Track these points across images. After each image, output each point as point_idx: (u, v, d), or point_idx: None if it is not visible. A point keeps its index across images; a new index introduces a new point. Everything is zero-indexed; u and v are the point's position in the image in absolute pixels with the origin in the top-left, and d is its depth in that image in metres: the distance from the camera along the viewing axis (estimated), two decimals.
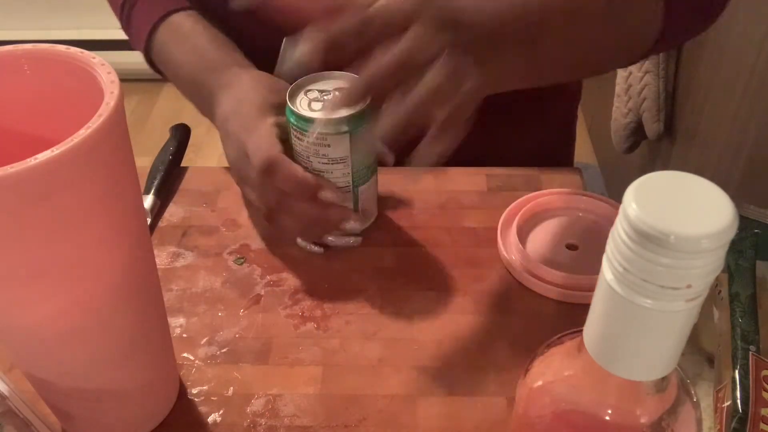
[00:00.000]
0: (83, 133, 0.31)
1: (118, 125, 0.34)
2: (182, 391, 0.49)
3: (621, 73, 1.38)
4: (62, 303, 0.36)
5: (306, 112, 0.52)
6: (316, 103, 0.53)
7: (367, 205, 0.58)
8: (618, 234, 0.23)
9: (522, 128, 0.74)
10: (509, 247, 0.57)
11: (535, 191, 0.61)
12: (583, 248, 0.57)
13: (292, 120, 0.53)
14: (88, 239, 0.34)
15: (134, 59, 0.77)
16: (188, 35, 0.65)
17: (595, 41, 0.52)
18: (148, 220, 0.61)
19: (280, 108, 0.55)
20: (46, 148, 0.31)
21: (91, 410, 0.43)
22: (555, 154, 0.80)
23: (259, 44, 0.59)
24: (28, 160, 0.30)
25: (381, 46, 0.42)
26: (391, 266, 0.57)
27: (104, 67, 0.35)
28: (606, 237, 0.24)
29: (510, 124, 0.71)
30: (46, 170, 0.30)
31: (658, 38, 0.54)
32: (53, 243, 0.33)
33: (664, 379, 0.27)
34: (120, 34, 0.72)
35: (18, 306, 0.36)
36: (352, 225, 0.57)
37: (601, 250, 0.24)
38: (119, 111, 0.34)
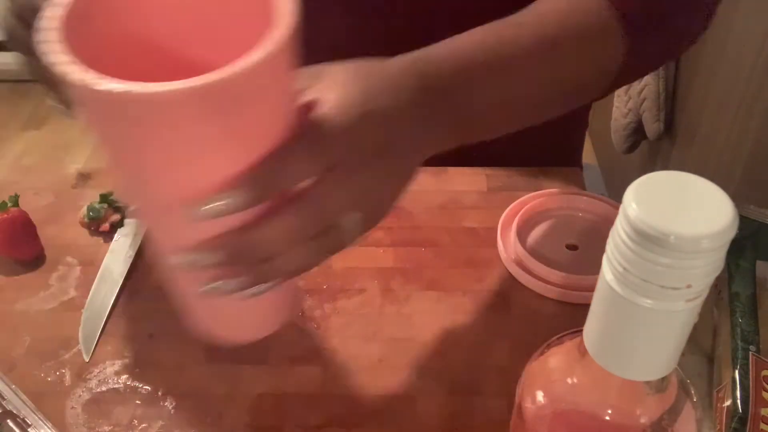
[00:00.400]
0: (277, 34, 0.31)
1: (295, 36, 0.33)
2: None
3: None
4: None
5: None
6: None
7: None
8: (618, 234, 0.23)
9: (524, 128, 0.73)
10: (509, 247, 0.57)
11: (535, 191, 0.61)
12: (583, 248, 0.57)
13: None
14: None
15: None
16: None
17: (533, 94, 0.48)
18: None
19: None
20: (208, 54, 0.31)
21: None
22: (559, 157, 0.80)
23: None
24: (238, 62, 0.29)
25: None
26: (391, 266, 0.57)
27: None
28: (606, 237, 0.24)
29: None
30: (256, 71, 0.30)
31: (620, 73, 0.50)
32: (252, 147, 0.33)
33: (664, 379, 0.27)
34: None
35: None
36: None
37: (601, 250, 0.24)
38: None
